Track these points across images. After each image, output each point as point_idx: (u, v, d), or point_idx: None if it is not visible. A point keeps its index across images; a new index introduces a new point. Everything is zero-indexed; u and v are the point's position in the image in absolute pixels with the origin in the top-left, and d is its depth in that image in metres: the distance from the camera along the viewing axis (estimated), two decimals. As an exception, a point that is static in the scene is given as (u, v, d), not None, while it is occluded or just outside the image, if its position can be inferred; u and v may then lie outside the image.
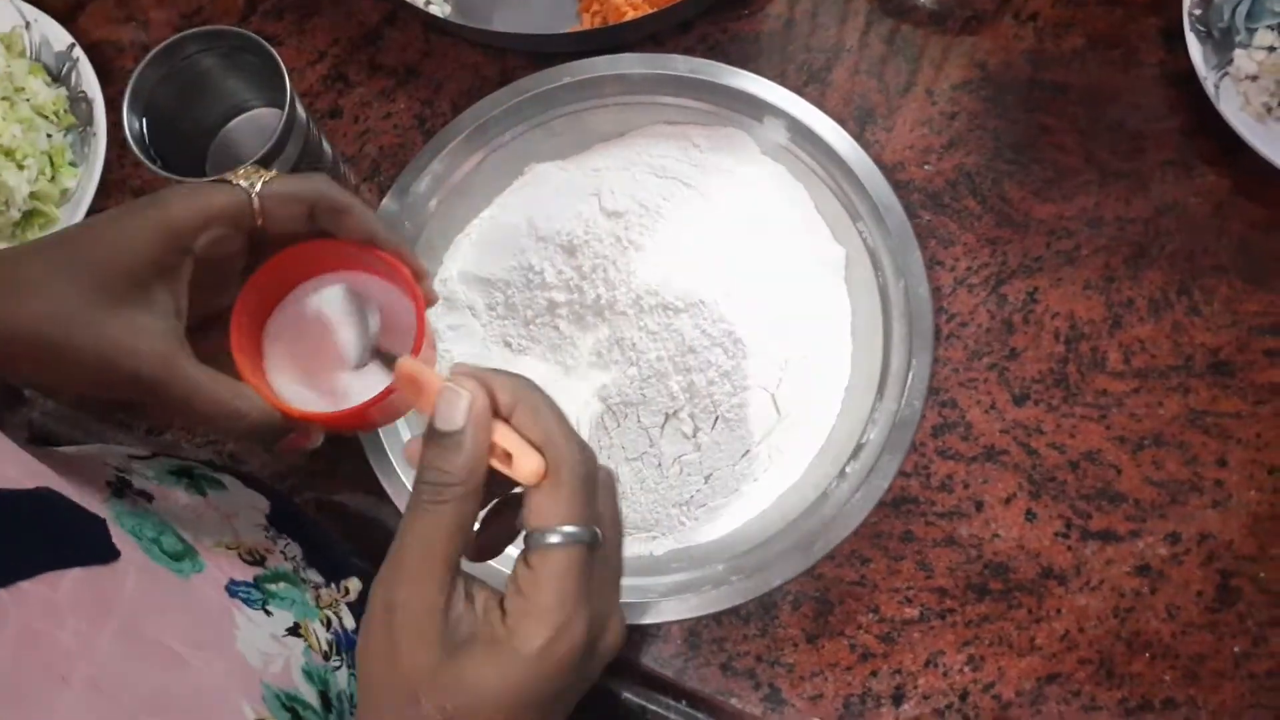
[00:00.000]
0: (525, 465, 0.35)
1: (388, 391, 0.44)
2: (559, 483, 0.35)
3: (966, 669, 0.61)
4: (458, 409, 0.35)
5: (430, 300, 0.48)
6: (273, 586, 0.48)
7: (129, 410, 0.69)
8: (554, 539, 0.34)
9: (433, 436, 0.35)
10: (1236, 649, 0.60)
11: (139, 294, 0.42)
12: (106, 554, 0.39)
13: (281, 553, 0.52)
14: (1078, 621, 0.61)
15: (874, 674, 0.61)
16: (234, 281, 0.47)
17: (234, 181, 0.44)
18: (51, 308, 0.40)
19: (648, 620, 0.58)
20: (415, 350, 0.45)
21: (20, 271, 0.41)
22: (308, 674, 0.47)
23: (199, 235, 0.43)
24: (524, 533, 0.35)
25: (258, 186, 0.44)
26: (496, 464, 0.36)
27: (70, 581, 0.36)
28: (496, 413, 0.36)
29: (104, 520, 0.40)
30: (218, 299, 0.46)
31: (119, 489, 0.46)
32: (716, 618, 0.63)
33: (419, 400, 0.38)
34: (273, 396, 0.45)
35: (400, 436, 0.61)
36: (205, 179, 0.45)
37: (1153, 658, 0.61)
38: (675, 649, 0.63)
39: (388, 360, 0.47)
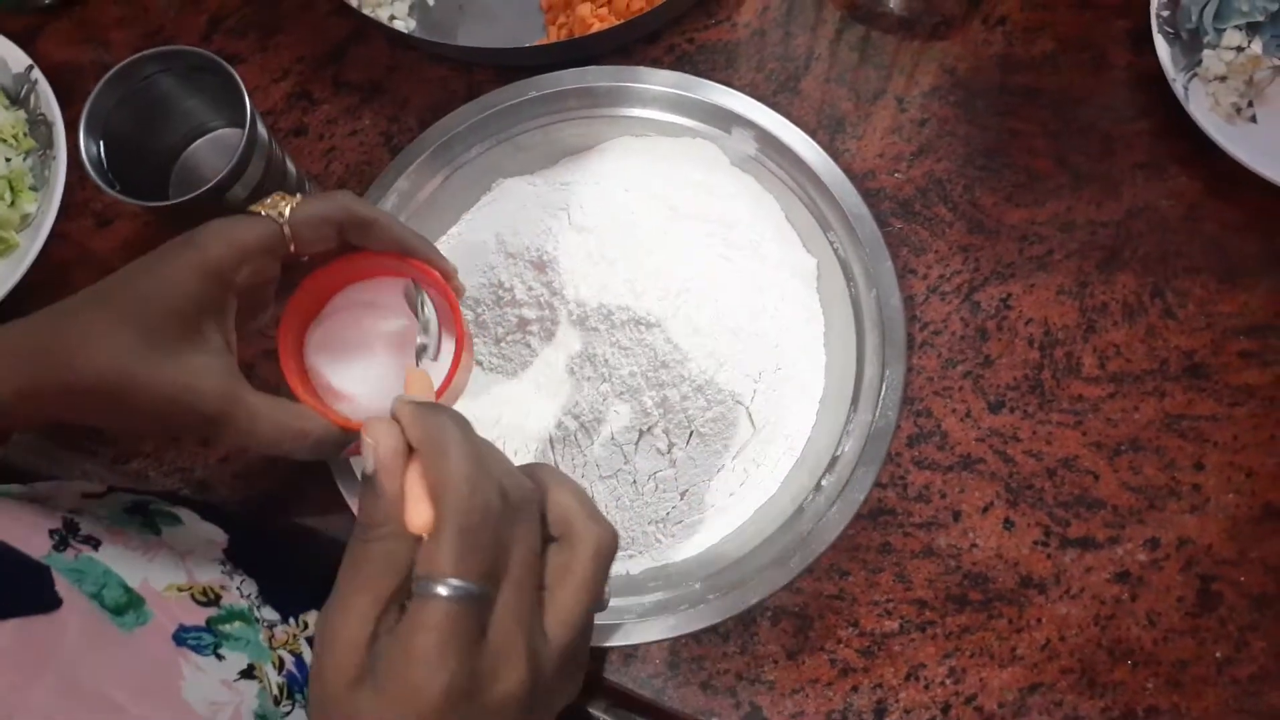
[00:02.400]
0: (414, 515, 0.35)
1: (440, 391, 0.47)
2: (440, 533, 0.34)
3: (948, 681, 0.60)
4: (369, 452, 0.36)
5: (460, 293, 0.51)
6: (226, 627, 0.48)
7: (96, 438, 0.68)
8: (434, 589, 0.34)
9: (361, 482, 0.37)
10: (1219, 654, 0.60)
11: (192, 335, 0.43)
12: (48, 603, 0.39)
13: (238, 589, 0.51)
14: (1058, 630, 0.61)
15: (855, 689, 0.60)
16: (268, 302, 0.49)
17: (262, 213, 0.46)
18: (114, 360, 0.41)
19: (625, 641, 0.57)
20: (458, 345, 0.49)
21: (79, 328, 0.42)
22: (260, 718, 0.46)
23: (238, 271, 0.45)
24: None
25: (286, 214, 0.46)
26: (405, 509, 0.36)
27: (6, 632, 0.35)
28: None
29: (47, 568, 0.40)
30: (253, 321, 0.49)
31: (63, 539, 0.45)
32: (695, 636, 0.62)
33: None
34: (330, 412, 0.48)
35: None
36: (238, 215, 0.46)
37: (1135, 665, 0.60)
38: (654, 669, 0.62)
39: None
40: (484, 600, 0.35)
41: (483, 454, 0.36)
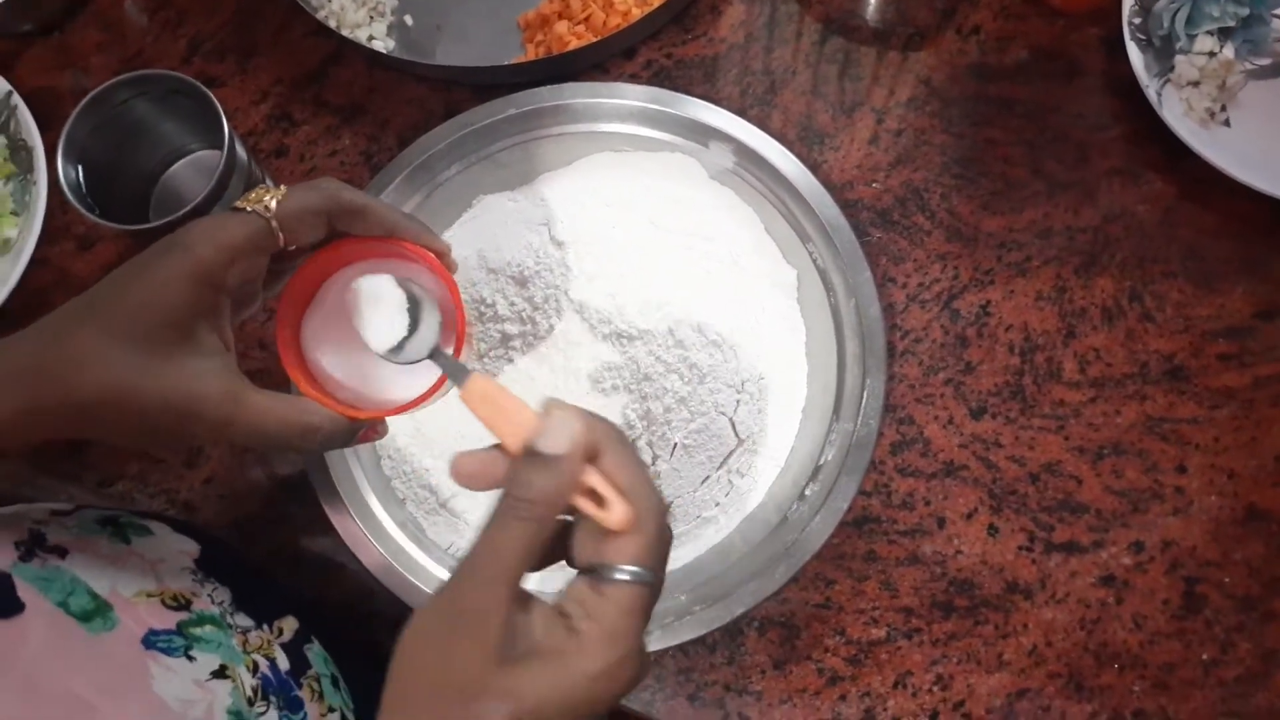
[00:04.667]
0: (617, 512, 0.37)
1: (440, 381, 0.46)
2: (641, 528, 0.37)
3: (935, 688, 0.60)
4: (564, 435, 0.36)
5: (453, 270, 0.50)
6: (197, 630, 0.48)
7: (79, 462, 0.68)
8: (620, 576, 0.36)
9: (532, 456, 0.36)
10: (1205, 656, 0.60)
11: (187, 340, 0.43)
12: (8, 609, 0.39)
13: (209, 596, 0.51)
14: (1045, 635, 0.61)
15: (843, 698, 0.60)
16: (257, 295, 0.48)
17: (248, 209, 0.44)
18: (113, 376, 0.41)
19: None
20: (459, 326, 0.47)
21: (72, 346, 0.41)
22: (234, 715, 0.46)
23: (228, 270, 0.44)
24: (596, 562, 0.37)
25: (273, 208, 0.44)
26: (580, 500, 0.37)
27: None
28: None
29: (8, 575, 0.40)
30: (246, 313, 0.48)
31: (29, 549, 0.45)
32: (682, 648, 0.62)
33: (495, 420, 0.39)
34: (336, 404, 0.47)
35: (353, 474, 0.60)
36: (224, 213, 0.45)
37: (1122, 669, 0.60)
38: (642, 682, 0.62)
39: (435, 352, 0.47)
40: (656, 590, 0.38)
41: None
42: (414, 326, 0.46)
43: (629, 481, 0.37)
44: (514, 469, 0.37)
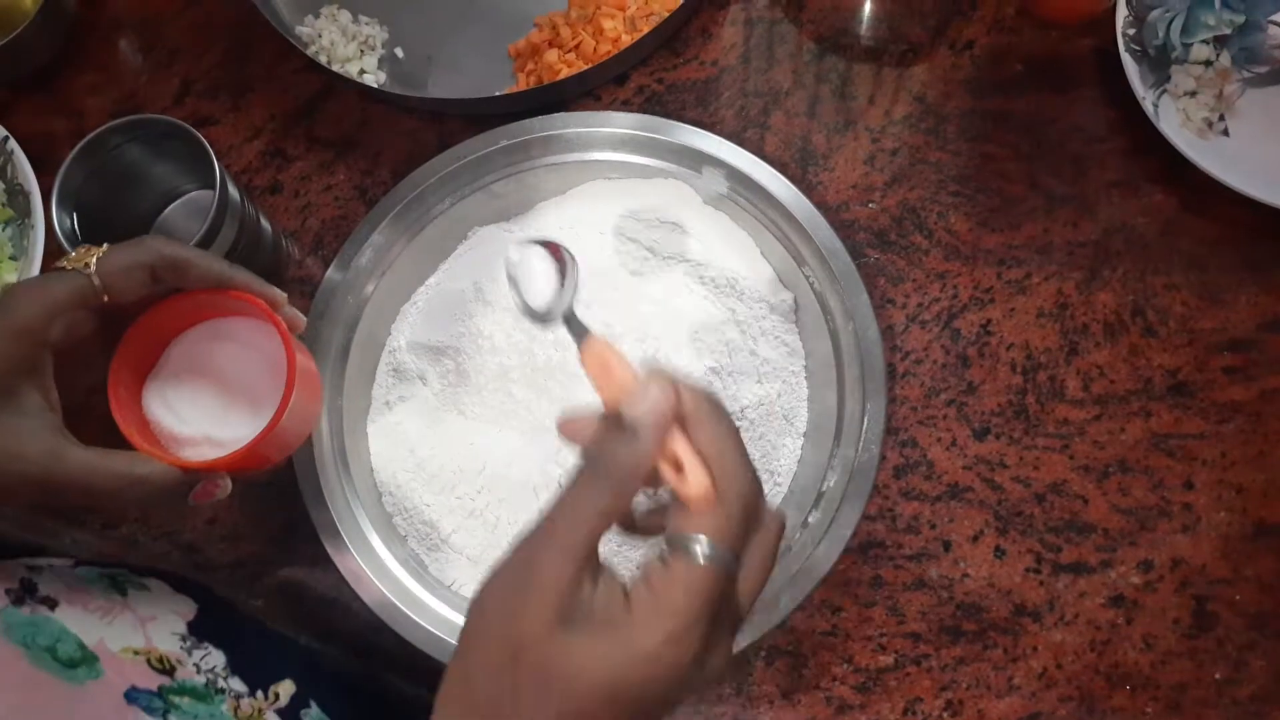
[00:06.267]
0: (693, 482, 0.36)
1: (273, 424, 0.47)
2: (721, 502, 0.35)
3: (945, 714, 0.60)
4: (649, 403, 0.35)
5: (295, 326, 0.50)
6: (177, 699, 0.48)
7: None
8: (699, 550, 0.34)
9: (615, 422, 0.36)
10: (1218, 675, 0.59)
11: (7, 399, 0.43)
12: None
13: (195, 665, 0.51)
14: (1055, 658, 0.60)
15: (852, 726, 0.60)
16: (97, 356, 0.49)
17: (68, 267, 0.45)
18: None
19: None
20: (288, 380, 0.48)
21: None
22: None
23: (49, 329, 0.44)
24: (668, 534, 0.36)
25: (93, 265, 0.45)
26: (664, 468, 0.36)
27: None
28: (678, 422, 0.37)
29: None
30: (86, 376, 0.48)
31: (20, 597, 0.46)
32: (689, 679, 0.61)
33: (601, 382, 0.39)
34: (166, 455, 0.47)
35: (353, 512, 0.60)
36: (45, 274, 0.47)
37: (1133, 690, 0.59)
38: (714, 680, 0.61)
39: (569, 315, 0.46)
40: (733, 572, 0.35)
41: None
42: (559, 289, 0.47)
43: (716, 453, 0.36)
44: (599, 432, 0.36)
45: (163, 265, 0.47)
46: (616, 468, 0.35)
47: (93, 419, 0.48)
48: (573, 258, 0.48)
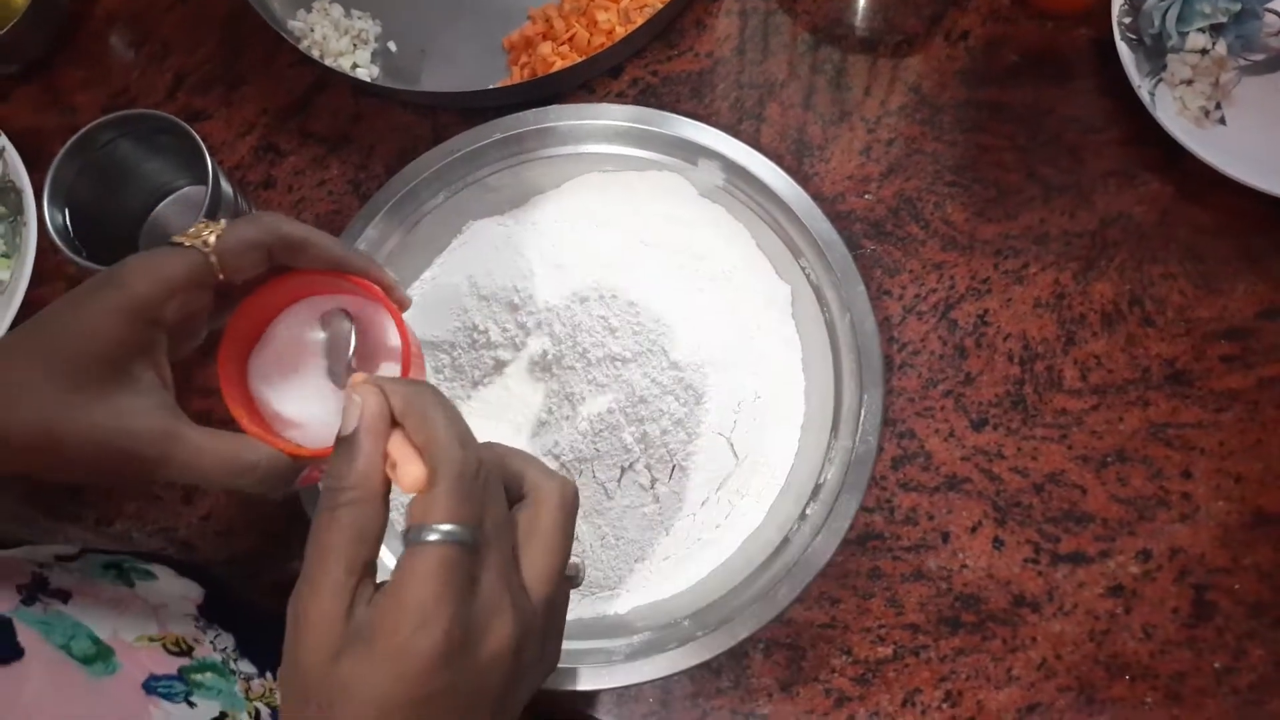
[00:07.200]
0: (405, 474, 0.36)
1: None
2: (437, 481, 0.35)
3: (945, 705, 0.60)
4: (353, 413, 0.36)
5: (404, 305, 0.49)
6: (199, 677, 0.48)
7: (78, 501, 0.68)
8: (427, 536, 0.34)
9: (338, 443, 0.36)
10: (1217, 665, 0.59)
11: (120, 376, 0.42)
12: (8, 655, 0.38)
13: (211, 643, 0.51)
14: (1054, 648, 0.60)
15: (851, 718, 0.60)
16: (202, 329, 0.47)
17: (186, 244, 0.43)
18: (37, 411, 0.40)
19: (617, 683, 0.57)
20: (404, 359, 0.47)
21: (1, 382, 0.41)
22: None
23: (165, 307, 0.43)
24: (402, 533, 0.35)
25: (211, 242, 0.43)
26: (390, 472, 0.36)
27: None
28: (395, 421, 0.37)
29: (9, 620, 0.40)
30: (189, 346, 0.47)
31: (32, 593, 0.45)
32: (688, 673, 0.61)
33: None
34: (277, 440, 0.46)
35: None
36: (161, 248, 0.44)
37: (1133, 680, 0.59)
38: (648, 708, 0.61)
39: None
40: (474, 550, 0.35)
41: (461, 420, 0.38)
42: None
43: (425, 439, 0.36)
44: (330, 461, 0.37)
45: (281, 245, 0.45)
46: (345, 492, 0.35)
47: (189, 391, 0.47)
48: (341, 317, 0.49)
